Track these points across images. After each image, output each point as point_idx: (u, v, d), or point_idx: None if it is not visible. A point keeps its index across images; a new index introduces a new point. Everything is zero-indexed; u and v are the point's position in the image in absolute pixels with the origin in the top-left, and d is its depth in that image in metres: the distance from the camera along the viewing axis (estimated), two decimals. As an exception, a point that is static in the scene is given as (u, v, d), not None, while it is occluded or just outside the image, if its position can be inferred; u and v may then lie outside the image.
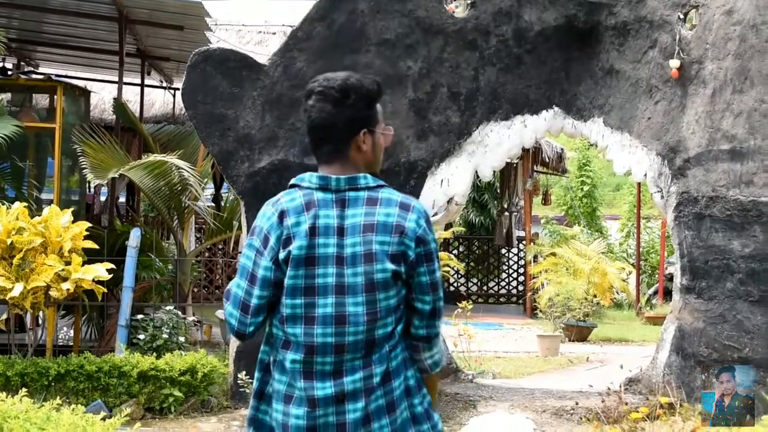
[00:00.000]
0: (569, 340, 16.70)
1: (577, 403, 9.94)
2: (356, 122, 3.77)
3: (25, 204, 9.97)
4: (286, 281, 3.67)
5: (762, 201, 9.56)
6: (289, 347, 3.69)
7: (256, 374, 3.83)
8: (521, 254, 22.82)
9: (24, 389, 7.35)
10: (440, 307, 3.80)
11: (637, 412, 5.39)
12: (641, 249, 23.21)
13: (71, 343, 12.06)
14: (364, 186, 3.74)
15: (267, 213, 3.82)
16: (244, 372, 9.90)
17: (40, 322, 11.51)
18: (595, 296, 17.44)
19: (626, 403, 6.97)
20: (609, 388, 7.80)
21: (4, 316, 10.09)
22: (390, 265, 3.65)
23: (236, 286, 3.78)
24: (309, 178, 3.81)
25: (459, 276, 23.19)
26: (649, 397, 9.61)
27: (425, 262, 3.72)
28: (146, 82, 16.07)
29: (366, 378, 3.64)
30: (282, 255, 3.68)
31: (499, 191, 23.42)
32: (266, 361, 3.81)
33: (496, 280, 23.78)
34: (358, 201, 3.72)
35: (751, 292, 9.66)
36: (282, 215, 3.75)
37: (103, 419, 6.75)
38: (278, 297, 3.71)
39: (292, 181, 3.90)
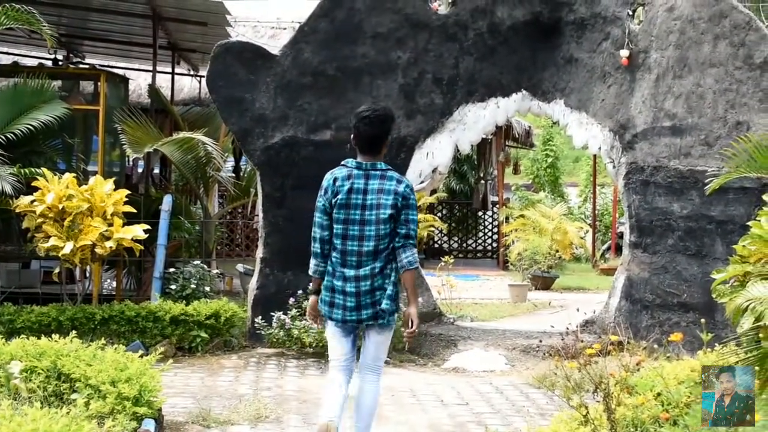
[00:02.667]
0: (535, 289, 16.74)
1: (541, 341, 9.98)
2: (387, 133, 5.92)
3: (74, 175, 9.92)
4: (335, 215, 5.78)
5: (698, 170, 9.56)
6: (335, 250, 5.81)
7: (325, 277, 5.85)
8: (495, 216, 22.80)
9: (74, 332, 7.37)
10: (411, 234, 5.76)
11: (592, 348, 5.39)
12: (596, 211, 23.22)
13: (114, 293, 12.04)
14: (379, 169, 5.82)
15: (328, 177, 5.87)
16: (260, 317, 9.93)
17: (87, 274, 11.51)
18: (557, 251, 17.44)
19: (582, 341, 6.98)
20: (568, 329, 7.80)
21: (57, 270, 10.08)
22: (389, 210, 5.72)
23: (315, 216, 5.85)
24: (351, 162, 5.85)
25: (442, 235, 23.17)
26: (602, 335, 9.65)
27: (405, 209, 5.75)
28: (176, 70, 16.00)
29: (372, 269, 5.73)
30: (333, 200, 5.77)
31: (476, 162, 23.39)
32: (329, 271, 5.83)
33: (474, 238, 23.76)
34: (376, 176, 5.79)
35: (688, 247, 9.68)
36: (335, 179, 5.82)
37: (141, 356, 6.77)
38: (332, 225, 5.79)
39: (342, 162, 5.89)
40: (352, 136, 5.89)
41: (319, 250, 5.85)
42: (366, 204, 5.73)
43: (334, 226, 5.78)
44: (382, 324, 5.82)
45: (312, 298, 6.04)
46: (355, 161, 5.83)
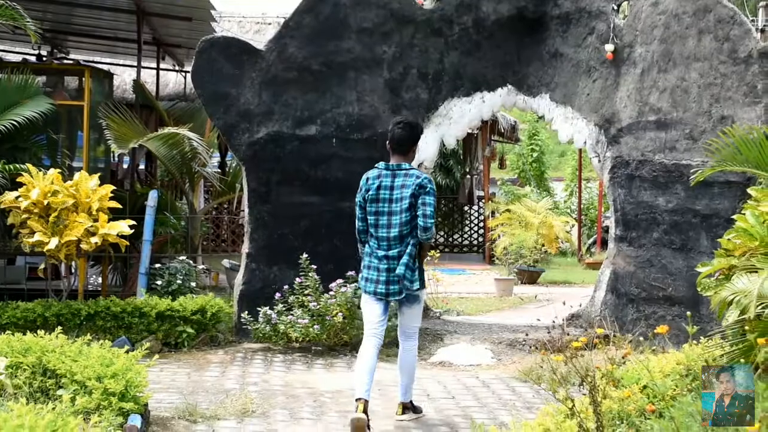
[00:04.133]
0: (521, 283, 16.77)
1: (527, 335, 9.99)
2: (416, 139, 7.15)
3: (59, 170, 9.89)
4: (368, 209, 7.01)
5: (683, 164, 9.59)
6: (371, 237, 7.05)
7: (364, 257, 7.12)
8: (481, 210, 22.83)
9: (59, 327, 7.33)
10: (428, 213, 6.86)
11: (578, 342, 5.40)
12: (582, 205, 23.28)
13: (99, 288, 12.02)
14: (404, 168, 7.00)
15: (363, 178, 7.08)
16: (246, 312, 9.91)
17: (73, 270, 11.47)
18: (543, 245, 17.49)
19: (568, 335, 7.00)
20: (554, 322, 7.81)
21: (42, 266, 10.05)
22: (409, 199, 6.88)
23: (356, 211, 7.11)
24: (381, 165, 7.07)
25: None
26: (588, 329, 9.67)
27: (423, 194, 6.88)
28: (161, 65, 15.96)
29: (399, 251, 6.92)
30: (366, 196, 7.00)
31: (462, 157, 23.41)
32: (368, 252, 7.09)
33: (460, 233, 23.80)
34: (401, 174, 6.98)
35: (673, 240, 9.71)
36: (367, 179, 7.06)
37: (127, 352, 6.76)
38: (366, 217, 7.02)
39: (375, 165, 7.10)
40: (387, 140, 7.14)
41: (359, 239, 7.20)
42: (392, 198, 6.95)
43: (369, 218, 7.03)
44: (408, 296, 7.02)
45: None
46: (385, 163, 7.08)
